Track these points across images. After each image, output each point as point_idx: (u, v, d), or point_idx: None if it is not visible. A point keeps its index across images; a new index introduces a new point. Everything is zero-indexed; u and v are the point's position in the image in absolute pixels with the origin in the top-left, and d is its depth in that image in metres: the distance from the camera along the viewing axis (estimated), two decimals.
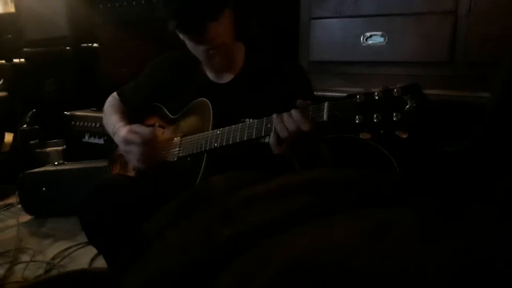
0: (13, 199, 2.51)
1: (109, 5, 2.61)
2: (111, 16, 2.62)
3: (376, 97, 0.87)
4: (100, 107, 1.66)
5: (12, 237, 2.09)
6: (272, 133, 1.07)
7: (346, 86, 1.97)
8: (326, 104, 0.96)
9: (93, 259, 1.86)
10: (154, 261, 0.82)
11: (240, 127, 1.15)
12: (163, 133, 1.45)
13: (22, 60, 3.12)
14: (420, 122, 0.82)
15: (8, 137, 2.96)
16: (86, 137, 2.58)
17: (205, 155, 1.24)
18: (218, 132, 1.21)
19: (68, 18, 2.69)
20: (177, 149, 1.34)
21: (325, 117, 0.95)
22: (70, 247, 1.98)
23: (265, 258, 0.68)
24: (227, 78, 1.41)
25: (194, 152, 1.27)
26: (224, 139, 1.18)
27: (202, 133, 1.27)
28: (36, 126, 2.87)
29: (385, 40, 1.87)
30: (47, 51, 2.88)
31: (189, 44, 1.31)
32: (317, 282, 0.61)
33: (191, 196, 0.99)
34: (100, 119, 1.67)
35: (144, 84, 1.55)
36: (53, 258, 1.89)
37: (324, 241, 0.67)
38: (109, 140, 1.55)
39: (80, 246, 1.98)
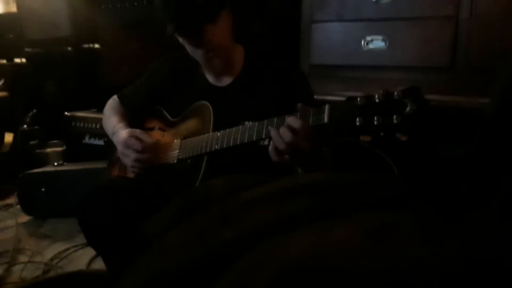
0: (12, 200, 2.50)
1: (110, 6, 2.62)
2: (112, 17, 2.63)
3: (377, 100, 0.88)
4: (100, 108, 1.66)
5: (10, 237, 2.09)
6: (270, 144, 1.08)
7: (347, 90, 1.97)
8: (327, 106, 0.96)
9: (91, 261, 1.85)
10: (154, 263, 0.82)
11: (240, 129, 1.15)
12: (163, 136, 1.45)
13: (23, 60, 3.12)
14: (420, 125, 0.83)
15: (8, 137, 2.95)
16: (86, 138, 2.58)
17: (205, 157, 1.24)
18: (218, 134, 1.21)
19: (70, 19, 2.69)
20: (177, 151, 1.34)
21: (326, 119, 0.95)
22: (68, 248, 1.98)
23: (264, 260, 0.68)
24: (227, 80, 1.41)
25: (195, 154, 1.27)
26: (225, 142, 1.18)
27: (202, 136, 1.27)
28: (36, 127, 2.87)
29: (386, 44, 1.87)
30: (48, 51, 2.88)
31: (188, 47, 1.31)
32: (316, 284, 0.61)
33: (191, 198, 0.99)
34: (100, 120, 1.67)
35: (144, 87, 1.55)
36: (51, 259, 1.89)
37: (324, 243, 0.67)
38: (109, 141, 1.55)
39: (79, 247, 1.98)
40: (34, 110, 2.90)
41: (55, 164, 2.45)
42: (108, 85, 2.22)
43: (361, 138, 0.90)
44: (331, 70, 2.06)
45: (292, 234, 0.72)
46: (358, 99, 0.90)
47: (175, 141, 1.37)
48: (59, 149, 2.76)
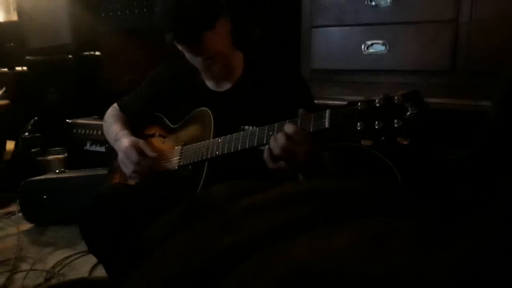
0: (14, 207, 2.50)
1: (111, 13, 2.63)
2: (112, 24, 2.64)
3: (377, 105, 0.88)
4: (101, 115, 1.66)
5: (12, 245, 2.09)
6: (264, 150, 1.08)
7: (347, 94, 1.97)
8: (327, 111, 0.96)
9: (93, 268, 1.85)
10: (155, 269, 0.82)
11: (241, 135, 1.15)
12: (163, 142, 1.45)
13: (25, 68, 3.14)
14: (421, 128, 0.83)
15: (10, 145, 2.96)
16: (88, 145, 2.58)
17: (206, 163, 1.24)
18: (219, 140, 1.21)
19: (70, 27, 2.70)
20: (178, 157, 1.34)
21: (327, 124, 0.95)
22: (70, 256, 1.97)
23: (265, 266, 0.68)
24: (226, 86, 1.42)
25: (196, 160, 1.27)
26: (226, 147, 1.18)
27: (203, 142, 1.27)
28: (38, 134, 2.87)
29: (386, 48, 1.87)
30: (49, 59, 2.89)
31: (187, 55, 1.32)
32: None
33: (191, 205, 0.99)
34: (101, 127, 1.67)
35: (145, 95, 1.55)
36: (53, 267, 1.88)
37: (324, 249, 0.67)
38: (110, 148, 1.55)
39: (81, 254, 1.97)
40: (36, 118, 2.91)
41: (57, 171, 2.45)
42: (108, 92, 2.23)
43: (362, 143, 0.90)
44: (331, 74, 2.06)
45: (293, 241, 0.72)
46: (359, 104, 0.90)
47: (176, 147, 1.37)
48: (61, 156, 2.76)
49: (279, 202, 0.86)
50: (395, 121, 0.84)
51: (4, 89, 3.03)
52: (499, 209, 0.71)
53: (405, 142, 0.85)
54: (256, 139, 1.11)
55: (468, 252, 0.58)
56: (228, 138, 1.19)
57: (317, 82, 2.02)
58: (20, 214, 2.33)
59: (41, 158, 2.76)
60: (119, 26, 2.61)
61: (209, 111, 1.31)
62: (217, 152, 1.20)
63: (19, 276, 1.81)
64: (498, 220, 0.67)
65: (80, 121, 2.64)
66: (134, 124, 1.55)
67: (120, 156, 1.39)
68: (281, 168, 1.07)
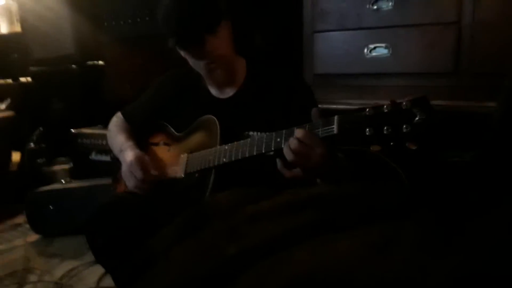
0: (20, 219, 2.51)
1: (113, 22, 2.64)
2: (115, 33, 2.65)
3: (386, 110, 0.88)
4: (106, 124, 1.66)
5: (19, 257, 2.09)
6: (278, 160, 1.08)
7: (351, 98, 1.97)
8: (336, 117, 0.96)
9: (100, 278, 1.84)
10: (160, 278, 0.82)
11: (248, 142, 1.15)
12: (168, 150, 1.45)
13: (29, 79, 3.15)
14: (429, 133, 0.83)
15: (16, 156, 2.97)
16: (93, 155, 2.59)
17: (213, 170, 1.24)
18: (226, 147, 1.21)
19: (74, 37, 2.72)
20: (184, 165, 1.34)
21: (335, 130, 0.95)
22: (77, 267, 1.97)
23: (270, 273, 0.68)
24: (229, 92, 1.42)
25: (202, 168, 1.27)
26: (233, 154, 1.18)
27: (210, 149, 1.27)
28: (43, 145, 2.88)
29: (388, 51, 1.87)
30: (53, 69, 2.90)
31: (190, 60, 1.33)
32: None
33: (196, 213, 0.99)
34: (106, 137, 1.67)
35: (148, 103, 1.56)
36: (61, 278, 1.88)
37: (328, 256, 0.67)
38: (115, 157, 1.56)
39: (88, 265, 1.97)
40: (41, 128, 2.92)
41: (63, 181, 2.45)
42: (113, 101, 2.24)
43: (371, 148, 0.90)
44: (335, 79, 2.06)
45: (297, 248, 0.72)
46: (367, 110, 0.90)
47: (182, 155, 1.37)
48: (66, 166, 2.77)
49: (284, 210, 0.86)
50: (404, 126, 0.84)
51: (9, 100, 3.05)
52: (502, 213, 0.71)
53: (414, 147, 0.85)
54: (264, 146, 1.11)
55: (471, 256, 0.58)
56: (235, 145, 1.19)
57: (320, 87, 2.02)
58: (27, 225, 2.33)
59: (46, 168, 2.77)
60: (122, 35, 2.62)
61: (215, 118, 1.31)
62: (224, 159, 1.20)
63: None
64: (501, 224, 0.67)
65: (84, 130, 2.65)
66: (138, 132, 1.55)
67: (124, 169, 1.38)
68: (297, 176, 1.06)
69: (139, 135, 1.53)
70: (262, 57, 1.64)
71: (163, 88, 1.53)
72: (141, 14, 2.52)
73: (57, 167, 2.76)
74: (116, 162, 1.53)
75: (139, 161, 1.35)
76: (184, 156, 1.36)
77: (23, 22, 2.98)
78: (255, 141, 1.13)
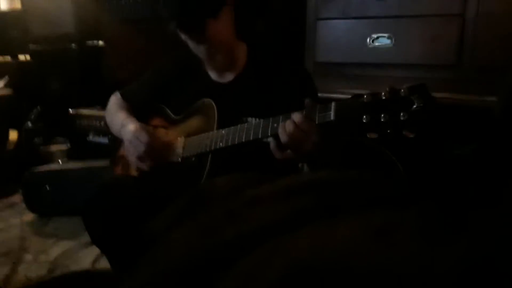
0: (16, 198, 2.51)
1: (114, 2, 2.62)
2: (116, 13, 2.63)
3: (383, 97, 0.87)
4: (104, 105, 1.65)
5: (15, 236, 2.10)
6: (271, 139, 1.08)
7: (352, 87, 1.96)
8: (333, 103, 0.96)
9: (96, 259, 1.85)
10: (159, 260, 0.82)
11: (245, 126, 1.15)
12: (166, 134, 1.45)
13: (28, 57, 3.13)
14: (427, 121, 0.82)
15: (13, 134, 2.96)
16: (91, 136, 2.59)
17: (210, 155, 1.24)
18: (223, 132, 1.21)
19: (74, 15, 2.70)
20: (181, 149, 1.33)
21: (332, 117, 0.95)
22: (73, 247, 1.98)
23: (268, 258, 0.68)
24: (229, 77, 1.41)
25: (199, 152, 1.26)
26: (230, 139, 1.18)
27: (207, 133, 1.27)
28: (41, 124, 2.87)
29: (391, 42, 1.86)
30: (52, 48, 2.89)
31: (191, 44, 1.32)
32: (320, 282, 0.60)
33: (195, 196, 0.99)
34: (104, 118, 1.67)
35: (147, 85, 1.55)
36: (56, 258, 1.89)
37: (327, 242, 0.67)
38: (114, 139, 1.55)
39: (84, 246, 1.98)
40: (38, 107, 2.90)
41: (60, 162, 2.45)
42: (112, 82, 2.22)
43: (367, 136, 0.89)
44: (336, 67, 2.05)
45: (296, 233, 0.71)
46: (365, 97, 0.90)
47: (179, 139, 1.36)
48: (64, 147, 2.77)
49: (283, 194, 0.86)
50: (401, 114, 0.84)
51: (7, 78, 3.03)
52: (504, 203, 0.71)
53: (411, 135, 0.84)
54: (260, 131, 1.11)
55: (474, 245, 0.58)
56: (232, 130, 1.18)
57: (320, 75, 2.01)
58: (23, 204, 2.34)
59: (44, 148, 2.76)
60: (123, 15, 2.61)
61: (212, 102, 1.31)
62: (221, 144, 1.20)
63: (22, 267, 1.82)
64: (503, 215, 0.66)
65: (83, 111, 2.64)
66: (136, 114, 1.54)
67: (129, 137, 1.37)
68: (288, 158, 1.07)
69: (137, 117, 1.52)
70: (263, 43, 1.63)
71: (162, 70, 1.53)
72: None
73: (54, 148, 2.76)
74: (114, 143, 1.53)
75: (144, 127, 1.36)
76: (181, 140, 1.35)
77: None
78: (252, 126, 1.13)
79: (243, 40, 1.43)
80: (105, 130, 2.47)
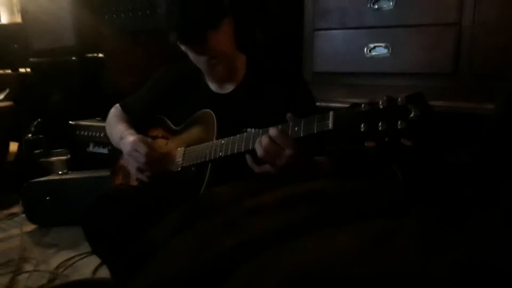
0: (17, 209, 2.51)
1: (114, 15, 2.64)
2: (116, 26, 2.64)
3: (381, 106, 0.88)
4: (105, 117, 1.66)
5: (15, 246, 2.09)
6: (247, 157, 1.12)
7: (350, 97, 1.97)
8: (331, 112, 0.97)
9: (96, 269, 1.85)
10: (159, 270, 0.82)
11: (244, 136, 1.16)
12: (166, 144, 1.46)
13: (28, 70, 3.14)
14: (424, 130, 0.83)
15: (13, 146, 2.97)
16: (91, 147, 2.59)
17: (210, 164, 1.24)
18: (222, 141, 1.22)
19: (74, 28, 2.71)
20: (181, 159, 1.34)
21: (330, 126, 0.96)
22: (73, 257, 1.97)
23: (268, 267, 0.68)
24: (229, 88, 1.42)
25: (199, 161, 1.27)
26: (229, 149, 1.18)
27: (206, 143, 1.27)
28: (41, 136, 2.88)
29: (388, 51, 1.87)
30: (52, 61, 2.90)
31: (191, 55, 1.33)
32: None
33: (195, 206, 0.99)
34: (104, 129, 1.68)
35: (147, 96, 1.56)
36: (56, 268, 1.88)
37: (327, 250, 0.67)
38: (113, 149, 1.56)
39: (84, 255, 1.97)
40: (39, 119, 2.91)
41: (60, 172, 2.46)
42: (112, 94, 2.23)
43: (365, 144, 0.90)
44: (334, 77, 2.06)
45: (295, 242, 0.72)
46: (362, 106, 0.91)
47: (179, 149, 1.37)
48: (64, 157, 2.77)
49: (282, 203, 0.86)
50: (399, 122, 0.84)
51: (7, 90, 3.05)
52: (501, 209, 0.72)
53: (409, 144, 0.85)
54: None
55: (472, 251, 0.59)
56: (231, 140, 1.19)
57: (319, 85, 2.02)
58: (23, 215, 2.33)
59: (44, 159, 2.76)
60: (123, 28, 2.62)
61: (212, 113, 1.32)
62: (220, 154, 1.20)
63: (22, 277, 1.81)
64: (500, 220, 0.67)
65: (83, 122, 2.65)
66: (136, 126, 1.55)
67: (128, 149, 1.38)
68: (267, 171, 1.09)
69: (137, 128, 1.53)
70: (262, 53, 1.65)
71: (162, 81, 1.54)
72: (142, 8, 2.52)
73: (54, 158, 2.76)
74: (114, 154, 1.53)
75: (142, 139, 1.36)
76: (181, 150, 1.36)
77: (23, 12, 2.97)
78: (251, 136, 1.14)
79: (242, 51, 1.44)
80: (105, 141, 2.47)
